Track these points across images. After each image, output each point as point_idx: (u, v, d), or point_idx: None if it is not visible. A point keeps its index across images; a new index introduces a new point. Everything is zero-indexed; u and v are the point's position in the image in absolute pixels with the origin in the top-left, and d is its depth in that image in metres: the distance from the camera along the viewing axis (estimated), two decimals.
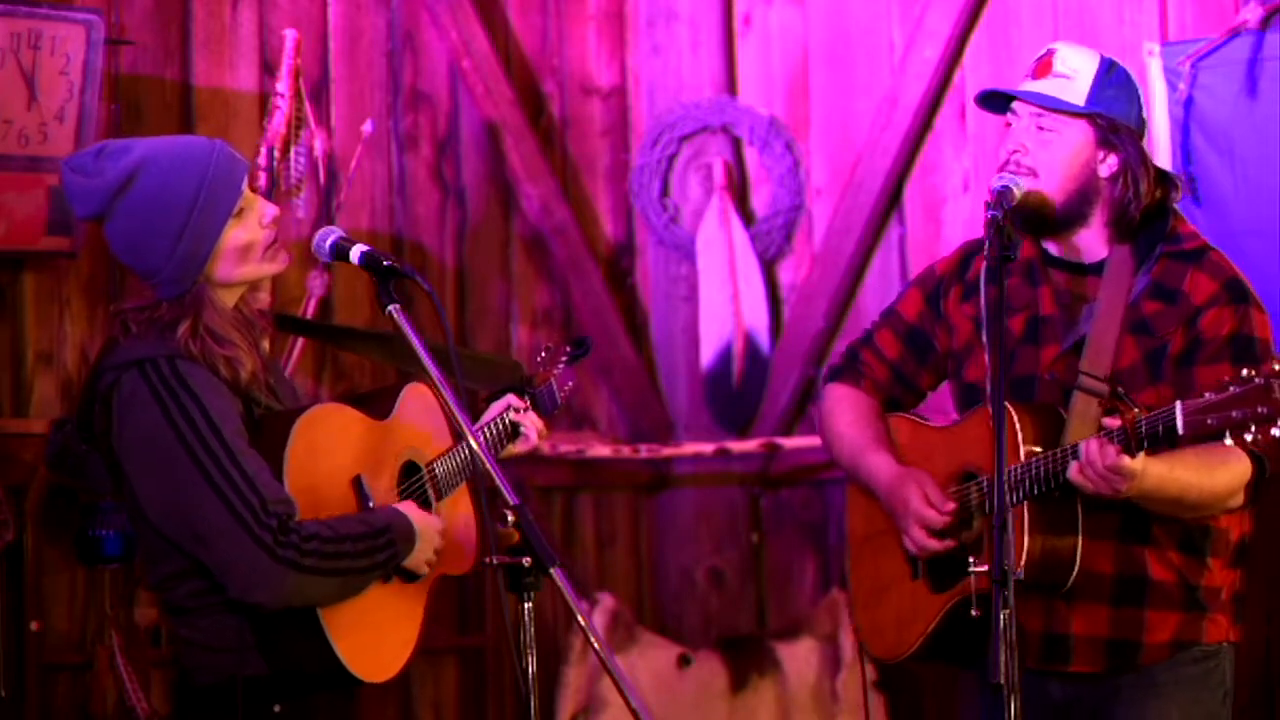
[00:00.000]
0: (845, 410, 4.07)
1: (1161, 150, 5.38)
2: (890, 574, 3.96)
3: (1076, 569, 3.68)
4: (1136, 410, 3.54)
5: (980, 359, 3.91)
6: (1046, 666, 3.79)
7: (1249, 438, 3.39)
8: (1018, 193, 3.74)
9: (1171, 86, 5.37)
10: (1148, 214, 3.84)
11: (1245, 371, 3.41)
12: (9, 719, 5.13)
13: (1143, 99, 3.89)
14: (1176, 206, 3.90)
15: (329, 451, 3.54)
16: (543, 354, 4.13)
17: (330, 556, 3.40)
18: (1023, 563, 3.61)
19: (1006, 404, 3.58)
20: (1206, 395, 3.44)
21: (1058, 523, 3.69)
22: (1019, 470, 3.67)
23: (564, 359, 4.12)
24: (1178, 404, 3.47)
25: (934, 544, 3.81)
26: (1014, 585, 3.35)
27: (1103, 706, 3.81)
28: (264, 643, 3.44)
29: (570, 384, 4.13)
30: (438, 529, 3.61)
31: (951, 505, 3.81)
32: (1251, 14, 5.26)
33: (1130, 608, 3.76)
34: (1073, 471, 3.60)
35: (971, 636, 3.73)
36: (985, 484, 3.77)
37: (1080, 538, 3.68)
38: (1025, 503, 3.67)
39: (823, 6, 6.31)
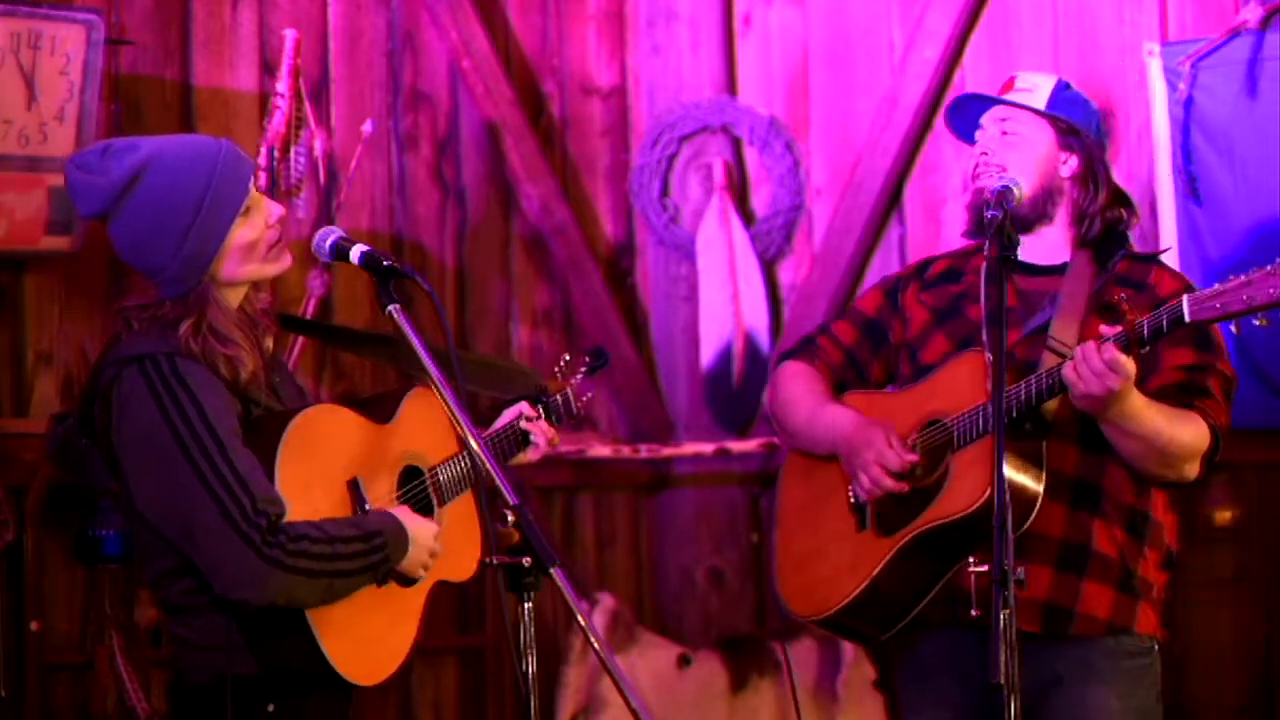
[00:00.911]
0: (799, 380, 4.22)
1: (1162, 150, 5.39)
2: (831, 533, 4.07)
3: (1035, 514, 3.77)
4: (1135, 316, 3.65)
5: (937, 343, 4.08)
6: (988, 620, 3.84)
7: (1256, 322, 3.52)
8: (1018, 193, 3.92)
9: (1171, 86, 5.37)
10: (1107, 229, 4.04)
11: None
12: (9, 719, 5.13)
13: (1099, 120, 4.10)
14: (1130, 234, 4.10)
15: (323, 452, 3.53)
16: (561, 364, 4.15)
17: (317, 558, 3.39)
18: (986, 494, 3.70)
19: (982, 352, 3.82)
20: (1215, 285, 3.59)
21: (1025, 460, 3.79)
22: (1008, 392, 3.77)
23: (582, 370, 4.15)
24: (1184, 295, 3.61)
25: (889, 482, 3.94)
26: (970, 531, 3.50)
27: (1046, 691, 3.88)
28: (253, 642, 3.43)
29: (588, 395, 4.15)
30: (433, 533, 3.59)
31: (913, 458, 3.94)
32: (1251, 14, 5.26)
33: (1070, 574, 3.88)
34: (1066, 369, 3.70)
35: (913, 585, 3.89)
36: (951, 423, 3.89)
37: (1044, 480, 3.79)
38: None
39: (823, 6, 6.30)
